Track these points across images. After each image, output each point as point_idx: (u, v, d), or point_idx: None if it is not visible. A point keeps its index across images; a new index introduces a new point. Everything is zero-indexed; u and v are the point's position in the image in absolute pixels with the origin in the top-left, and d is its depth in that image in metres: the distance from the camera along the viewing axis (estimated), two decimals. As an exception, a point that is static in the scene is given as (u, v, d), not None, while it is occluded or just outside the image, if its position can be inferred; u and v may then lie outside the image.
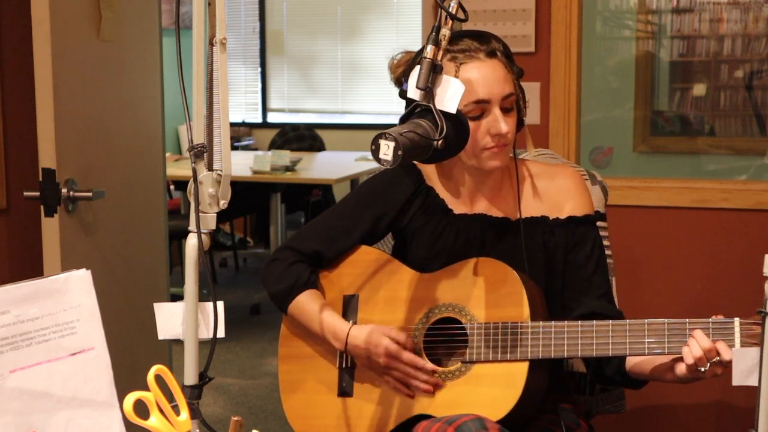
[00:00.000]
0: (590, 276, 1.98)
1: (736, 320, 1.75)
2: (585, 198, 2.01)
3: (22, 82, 2.64)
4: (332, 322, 1.97)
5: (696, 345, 1.73)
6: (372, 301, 2.00)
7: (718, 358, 1.72)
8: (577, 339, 1.83)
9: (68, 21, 2.55)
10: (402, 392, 1.91)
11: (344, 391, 1.99)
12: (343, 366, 2.00)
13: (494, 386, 1.84)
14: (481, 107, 1.86)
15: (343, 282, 2.04)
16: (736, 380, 1.67)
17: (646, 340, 1.79)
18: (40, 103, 2.50)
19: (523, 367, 1.83)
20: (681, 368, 1.77)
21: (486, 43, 1.89)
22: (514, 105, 1.90)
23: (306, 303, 2.00)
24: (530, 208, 1.99)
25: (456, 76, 1.83)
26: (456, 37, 1.87)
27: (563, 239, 1.97)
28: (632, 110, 2.91)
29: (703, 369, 1.73)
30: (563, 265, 1.98)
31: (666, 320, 1.78)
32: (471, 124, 1.85)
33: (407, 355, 1.89)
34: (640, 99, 2.90)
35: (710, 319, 1.76)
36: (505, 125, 1.87)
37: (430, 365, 1.89)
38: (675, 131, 2.91)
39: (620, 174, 2.91)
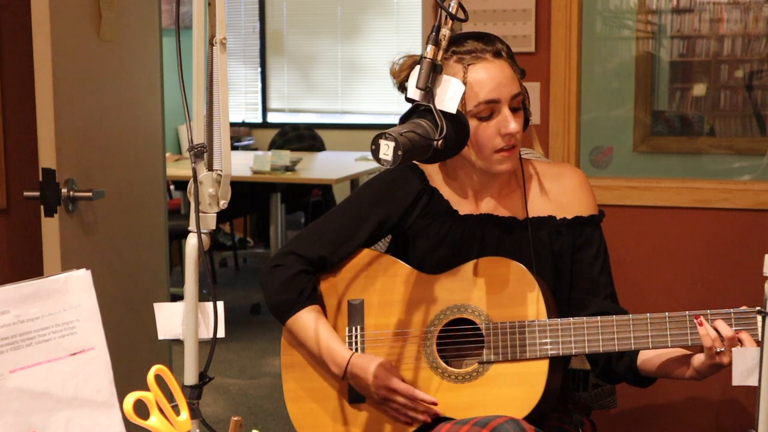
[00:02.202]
0: (597, 276, 1.98)
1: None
2: (590, 198, 2.01)
3: (22, 82, 2.64)
4: (332, 347, 1.95)
5: (710, 328, 1.75)
6: (378, 304, 1.99)
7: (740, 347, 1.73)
8: (598, 334, 1.83)
9: (68, 21, 2.55)
10: (400, 421, 1.91)
11: (356, 398, 1.97)
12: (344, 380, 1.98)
13: (514, 386, 1.84)
14: (491, 107, 1.86)
15: (347, 286, 2.02)
16: (736, 380, 1.67)
17: (669, 333, 1.80)
18: (40, 103, 2.50)
19: (543, 366, 1.84)
20: (700, 357, 1.79)
21: (491, 44, 1.89)
22: (521, 105, 1.90)
23: (306, 321, 1.97)
24: (537, 207, 1.98)
25: (464, 77, 1.83)
26: (460, 39, 1.87)
27: (570, 239, 1.97)
28: (632, 110, 2.91)
29: (720, 350, 1.74)
30: (570, 266, 1.98)
31: (687, 312, 1.80)
32: (481, 124, 1.85)
33: (407, 389, 1.88)
34: (640, 99, 2.90)
35: (732, 310, 1.78)
36: (515, 124, 1.86)
37: (429, 397, 1.88)
38: (675, 131, 2.91)
39: (620, 174, 2.91)
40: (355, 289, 2.01)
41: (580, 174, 2.03)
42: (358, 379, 1.92)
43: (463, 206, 2.00)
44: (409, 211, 2.02)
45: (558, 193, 1.99)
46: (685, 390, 2.88)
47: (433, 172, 2.03)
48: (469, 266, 1.93)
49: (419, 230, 2.01)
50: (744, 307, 1.78)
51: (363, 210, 2.03)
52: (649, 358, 1.91)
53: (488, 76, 1.85)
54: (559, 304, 1.95)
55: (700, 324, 1.76)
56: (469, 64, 1.86)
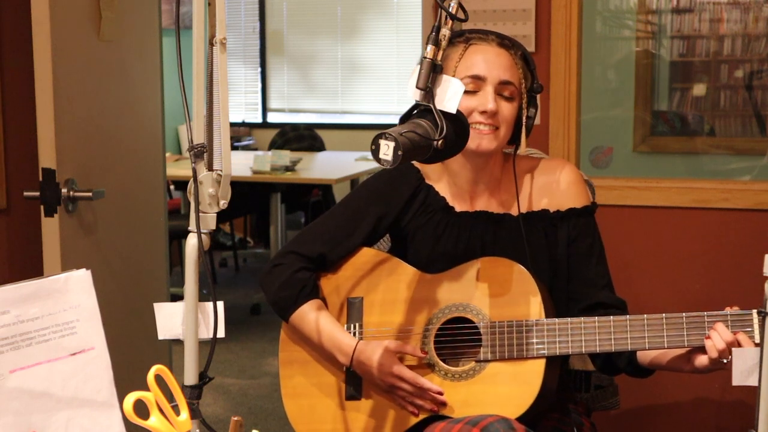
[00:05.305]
0: (594, 267, 1.99)
1: (754, 312, 1.77)
2: (583, 190, 2.02)
3: (22, 82, 2.64)
4: (337, 336, 1.96)
5: (719, 338, 1.75)
6: (377, 303, 1.99)
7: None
8: (595, 334, 1.84)
9: (68, 21, 2.55)
10: (407, 409, 1.91)
11: (352, 395, 1.98)
12: (351, 369, 1.98)
13: (510, 385, 1.85)
14: (476, 83, 1.89)
15: (347, 285, 2.03)
16: (736, 380, 1.68)
17: (666, 334, 1.81)
18: (40, 103, 2.50)
19: (539, 365, 1.84)
20: (702, 360, 1.79)
21: (504, 39, 1.94)
22: (515, 96, 1.92)
23: (310, 314, 1.98)
24: (531, 202, 1.99)
25: (462, 54, 1.89)
26: (483, 32, 1.93)
27: (565, 232, 1.98)
28: (632, 110, 2.91)
29: (725, 360, 1.75)
30: (566, 258, 1.98)
31: (684, 314, 1.80)
32: (464, 98, 1.84)
33: (413, 377, 1.89)
34: (640, 99, 2.90)
35: (727, 312, 1.79)
36: (492, 103, 1.89)
37: (435, 386, 1.88)
38: (675, 131, 2.91)
39: (620, 174, 2.91)
40: (354, 287, 2.02)
41: (572, 167, 2.05)
42: (364, 366, 1.92)
43: (459, 203, 2.02)
44: (406, 208, 2.03)
45: (551, 188, 2.00)
46: (685, 390, 2.88)
47: (429, 170, 2.05)
48: (470, 266, 1.93)
49: (417, 227, 2.02)
50: (736, 308, 1.79)
51: (360, 208, 2.05)
52: (651, 353, 1.92)
53: (482, 56, 1.91)
54: (557, 297, 1.96)
55: (707, 338, 1.77)
56: (471, 44, 1.92)
